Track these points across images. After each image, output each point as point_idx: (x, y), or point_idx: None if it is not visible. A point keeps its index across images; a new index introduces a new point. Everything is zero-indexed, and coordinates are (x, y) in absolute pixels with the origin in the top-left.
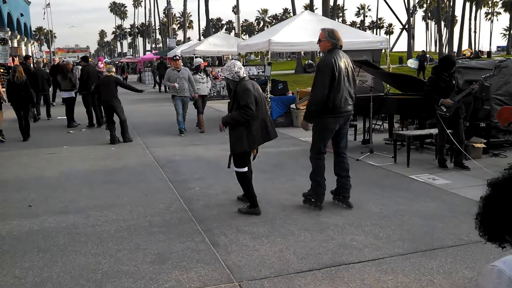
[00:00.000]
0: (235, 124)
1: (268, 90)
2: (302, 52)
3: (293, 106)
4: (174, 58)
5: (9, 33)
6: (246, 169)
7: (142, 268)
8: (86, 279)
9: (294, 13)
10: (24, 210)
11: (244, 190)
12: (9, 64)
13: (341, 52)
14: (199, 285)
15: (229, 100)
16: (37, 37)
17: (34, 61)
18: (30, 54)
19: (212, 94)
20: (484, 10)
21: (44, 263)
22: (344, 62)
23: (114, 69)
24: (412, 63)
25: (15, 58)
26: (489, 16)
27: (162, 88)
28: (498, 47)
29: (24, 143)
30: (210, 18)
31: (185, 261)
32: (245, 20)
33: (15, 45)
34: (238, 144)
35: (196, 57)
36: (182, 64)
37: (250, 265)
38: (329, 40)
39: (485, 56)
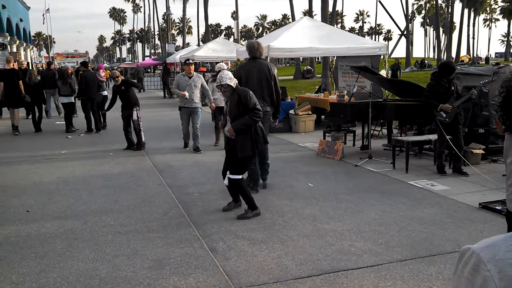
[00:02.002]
0: (245, 128)
1: None
2: (301, 58)
3: (292, 112)
4: (187, 62)
5: (8, 38)
6: (241, 176)
7: (140, 274)
8: (83, 285)
9: (293, 19)
10: (22, 215)
11: (242, 196)
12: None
13: (258, 61)
14: None
15: (225, 107)
16: (36, 42)
17: (58, 67)
18: (29, 59)
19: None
20: (482, 16)
21: (42, 269)
22: (257, 70)
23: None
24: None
25: (14, 63)
26: (488, 22)
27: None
28: (496, 53)
29: (22, 148)
30: (209, 23)
31: (183, 267)
32: (244, 25)
33: (14, 50)
34: (248, 147)
35: (217, 62)
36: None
37: (249, 271)
38: (247, 51)
39: (483, 62)
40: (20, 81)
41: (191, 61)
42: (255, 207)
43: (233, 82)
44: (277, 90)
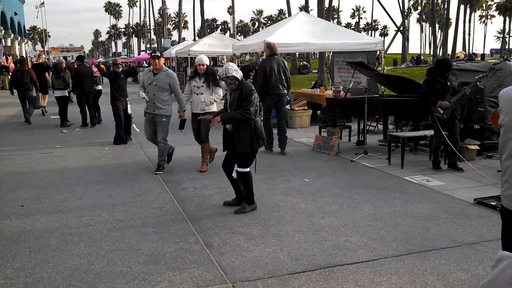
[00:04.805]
0: (235, 122)
1: None
2: (297, 53)
3: (287, 107)
4: (153, 55)
5: (3, 32)
6: (249, 169)
7: (135, 269)
8: (78, 280)
9: (289, 14)
10: (16, 209)
11: (245, 188)
12: (2, 63)
13: (275, 57)
14: (193, 286)
15: (226, 99)
16: (31, 36)
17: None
18: (23, 53)
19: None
20: (478, 13)
21: (36, 264)
22: (276, 63)
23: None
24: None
25: (8, 57)
26: (483, 19)
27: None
28: (491, 49)
29: (17, 142)
30: (205, 18)
31: (178, 261)
32: (240, 20)
33: (9, 44)
34: (248, 143)
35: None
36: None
37: (244, 266)
38: (268, 50)
39: (479, 58)
40: (46, 73)
41: (158, 54)
42: (253, 202)
43: (239, 74)
44: (288, 78)
